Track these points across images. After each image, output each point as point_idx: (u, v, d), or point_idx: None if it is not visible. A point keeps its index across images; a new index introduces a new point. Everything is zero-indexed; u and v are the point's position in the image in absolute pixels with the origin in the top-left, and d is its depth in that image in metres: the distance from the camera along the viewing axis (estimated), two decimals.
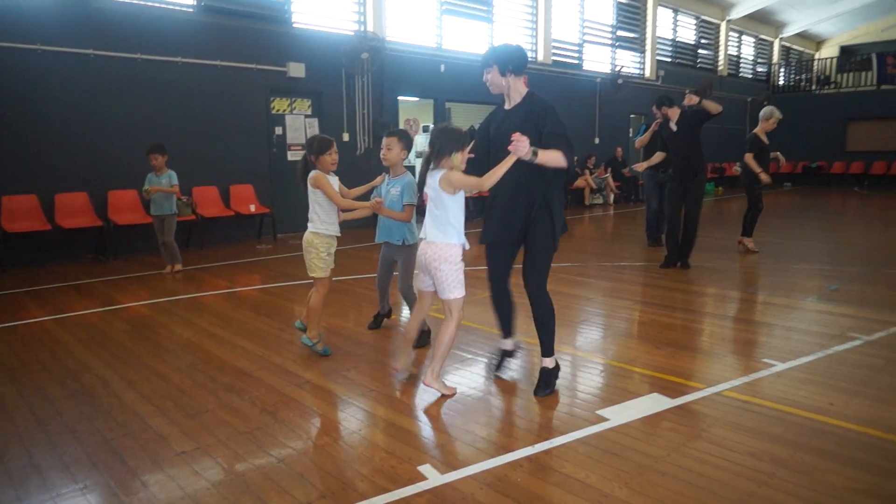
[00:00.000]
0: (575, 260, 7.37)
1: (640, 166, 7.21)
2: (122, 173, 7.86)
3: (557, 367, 3.44)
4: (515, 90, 3.31)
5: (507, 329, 3.64)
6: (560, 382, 3.55)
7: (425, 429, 3.02)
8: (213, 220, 8.64)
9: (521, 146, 2.95)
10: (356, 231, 8.97)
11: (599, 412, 3.09)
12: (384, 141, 4.04)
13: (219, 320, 4.89)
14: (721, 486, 2.40)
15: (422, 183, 3.31)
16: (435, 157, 3.16)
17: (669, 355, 3.96)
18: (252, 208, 9.03)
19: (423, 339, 4.19)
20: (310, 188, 3.86)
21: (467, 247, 3.25)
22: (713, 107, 6.23)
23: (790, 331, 4.46)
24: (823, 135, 18.72)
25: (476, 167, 3.28)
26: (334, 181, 3.91)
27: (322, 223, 3.90)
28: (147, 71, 8.15)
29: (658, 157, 7.12)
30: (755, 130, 7.46)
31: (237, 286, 6.24)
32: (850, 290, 5.65)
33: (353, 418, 3.11)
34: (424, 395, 3.39)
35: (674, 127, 6.59)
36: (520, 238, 3.35)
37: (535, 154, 3.00)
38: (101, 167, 7.86)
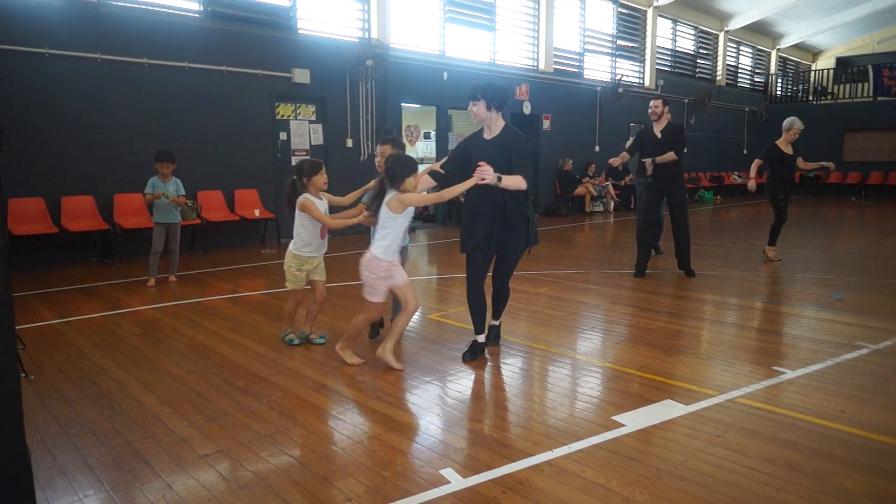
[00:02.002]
0: (579, 267, 7.42)
1: (615, 161, 7.19)
2: (129, 177, 7.88)
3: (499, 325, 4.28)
4: (496, 123, 3.83)
5: (480, 326, 4.07)
6: (573, 388, 3.59)
7: (444, 433, 3.05)
8: (217, 224, 8.66)
9: (486, 173, 3.47)
10: (358, 236, 9.01)
11: (615, 418, 3.13)
12: (378, 148, 4.24)
13: (229, 324, 4.91)
14: (740, 490, 2.44)
15: (379, 205, 3.62)
16: (391, 181, 3.57)
17: (680, 362, 4.00)
18: (256, 213, 9.05)
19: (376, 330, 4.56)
20: (297, 211, 4.13)
21: (389, 260, 3.67)
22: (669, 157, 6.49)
23: (798, 339, 4.51)
24: (820, 145, 18.81)
25: (446, 183, 3.82)
26: (322, 204, 4.16)
27: (304, 245, 4.20)
28: (153, 75, 8.19)
29: (624, 156, 7.20)
30: (777, 141, 7.50)
31: (244, 290, 6.26)
32: (853, 299, 5.72)
33: (371, 422, 3.13)
34: (440, 400, 3.43)
35: (658, 135, 6.65)
36: (496, 248, 3.89)
37: (499, 179, 3.51)
38: (108, 171, 7.88)
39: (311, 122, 10.08)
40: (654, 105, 6.71)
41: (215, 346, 4.35)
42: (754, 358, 4.12)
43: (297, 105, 9.91)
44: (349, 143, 10.41)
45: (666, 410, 3.21)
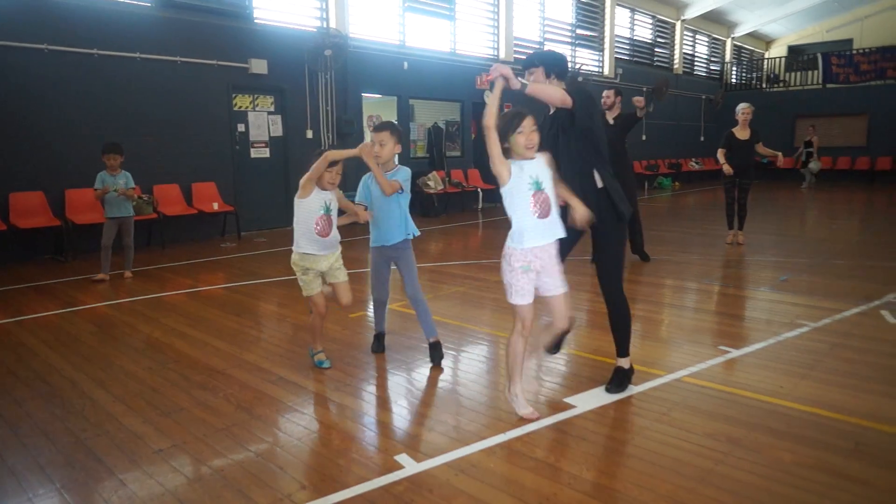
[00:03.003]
0: None
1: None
2: (80, 172, 7.67)
3: (632, 369, 3.38)
4: None
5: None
6: (529, 373, 3.68)
7: (400, 420, 3.11)
8: (175, 218, 8.52)
9: (499, 69, 2.82)
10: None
11: (567, 400, 3.23)
12: (375, 136, 3.62)
13: (187, 319, 4.86)
14: (682, 464, 2.56)
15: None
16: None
17: (632, 345, 4.10)
18: (215, 206, 8.92)
19: (377, 345, 4.01)
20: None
21: (521, 246, 2.88)
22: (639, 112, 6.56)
23: (744, 319, 4.70)
24: (773, 131, 19.38)
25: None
26: (325, 195, 3.54)
27: (301, 240, 3.57)
28: (104, 67, 7.98)
29: None
30: (734, 128, 7.71)
31: (202, 285, 6.19)
32: (800, 280, 5.96)
33: (328, 412, 3.17)
34: (398, 389, 3.48)
35: (611, 121, 6.76)
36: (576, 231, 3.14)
37: (524, 86, 2.91)
38: (58, 165, 7.66)
39: (269, 113, 9.96)
40: (606, 95, 6.83)
41: (172, 341, 4.30)
42: (702, 339, 4.28)
43: (255, 96, 9.77)
44: (309, 134, 10.31)
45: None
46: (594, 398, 3.24)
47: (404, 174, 3.74)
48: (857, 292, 5.32)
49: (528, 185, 2.85)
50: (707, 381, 3.45)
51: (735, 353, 3.90)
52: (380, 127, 3.65)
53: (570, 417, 3.04)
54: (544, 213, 2.86)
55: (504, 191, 2.89)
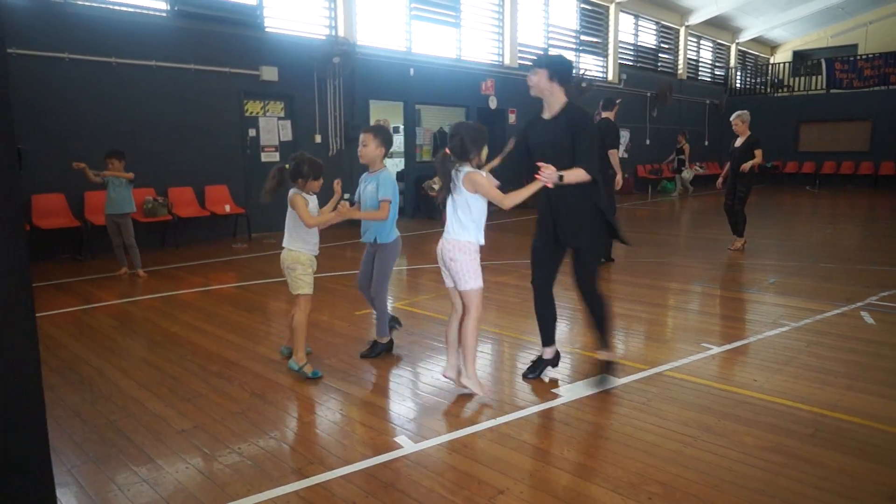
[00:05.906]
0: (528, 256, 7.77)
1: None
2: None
3: (615, 362, 3.61)
4: (556, 98, 3.38)
5: (547, 338, 3.70)
6: (521, 366, 3.95)
7: (401, 407, 3.38)
8: (188, 220, 8.84)
9: (549, 175, 3.11)
10: (338, 229, 9.25)
11: (554, 390, 3.50)
12: (360, 137, 3.97)
13: (202, 315, 5.16)
14: (654, 447, 2.82)
15: (447, 180, 3.32)
16: (459, 154, 3.25)
17: (619, 341, 4.38)
18: (227, 208, 9.24)
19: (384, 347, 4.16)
20: (289, 207, 3.80)
21: (482, 243, 3.35)
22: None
23: (728, 319, 4.94)
24: (777, 136, 19.57)
25: (513, 175, 3.55)
26: (312, 200, 3.80)
27: (314, 244, 3.86)
28: (122, 75, 8.31)
29: None
30: None
31: (215, 284, 6.49)
32: (787, 282, 6.19)
33: (334, 399, 3.44)
34: (398, 380, 3.75)
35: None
36: (567, 244, 3.54)
37: (560, 178, 3.15)
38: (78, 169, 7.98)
39: (279, 118, 10.27)
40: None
41: (188, 335, 4.60)
42: (687, 337, 4.53)
43: (266, 102, 10.09)
44: (318, 138, 10.62)
45: (600, 383, 3.58)
46: (579, 389, 3.50)
47: (385, 179, 3.96)
48: (840, 294, 5.55)
49: None
50: (686, 374, 3.71)
51: (716, 349, 4.15)
52: (364, 129, 4.03)
53: (557, 405, 3.30)
54: None
55: (479, 196, 3.32)
